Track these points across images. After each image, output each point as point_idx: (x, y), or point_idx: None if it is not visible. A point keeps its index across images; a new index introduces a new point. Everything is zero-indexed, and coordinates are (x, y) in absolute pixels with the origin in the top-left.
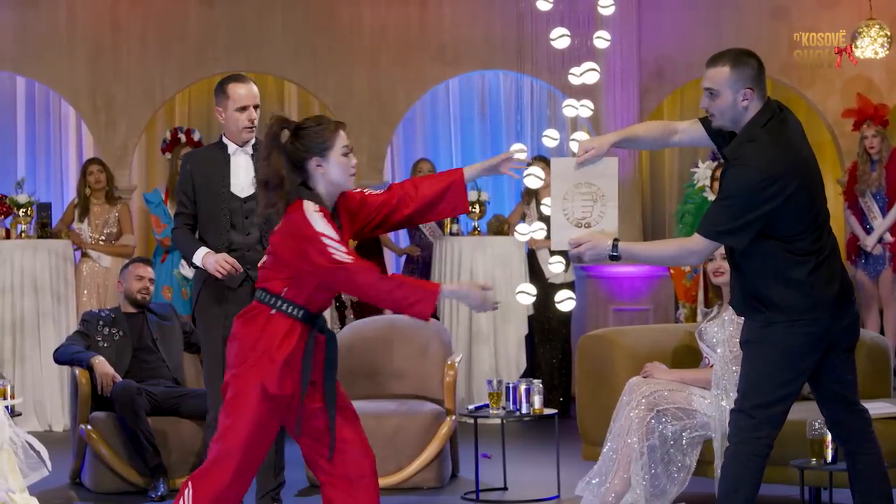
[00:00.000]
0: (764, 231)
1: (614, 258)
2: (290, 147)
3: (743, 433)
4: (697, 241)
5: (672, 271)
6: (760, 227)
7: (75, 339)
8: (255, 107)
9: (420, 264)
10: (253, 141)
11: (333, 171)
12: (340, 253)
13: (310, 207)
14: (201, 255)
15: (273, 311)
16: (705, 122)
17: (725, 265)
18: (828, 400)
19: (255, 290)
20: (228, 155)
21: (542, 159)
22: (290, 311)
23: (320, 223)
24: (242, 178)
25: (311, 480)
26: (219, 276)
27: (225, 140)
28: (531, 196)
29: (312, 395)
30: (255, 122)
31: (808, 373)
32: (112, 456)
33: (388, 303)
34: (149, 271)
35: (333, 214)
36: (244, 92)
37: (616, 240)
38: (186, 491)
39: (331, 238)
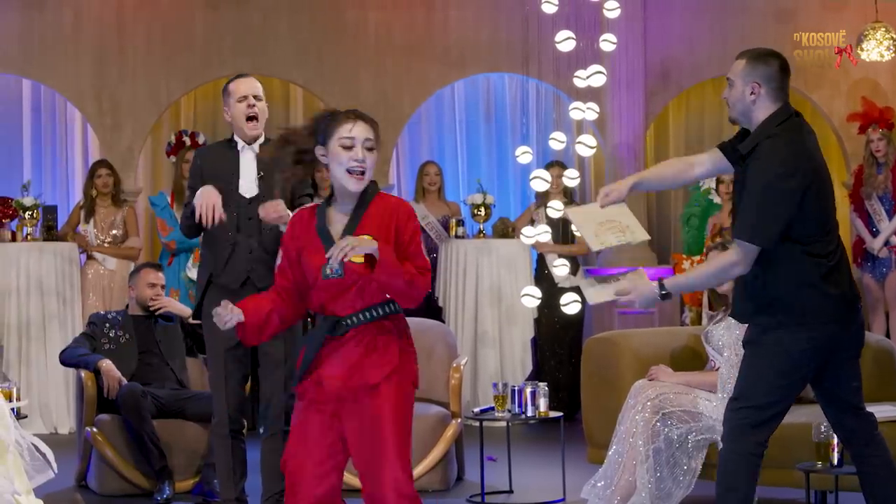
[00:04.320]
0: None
1: (665, 297)
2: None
3: (737, 432)
4: (735, 251)
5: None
6: (788, 220)
7: (81, 342)
8: (256, 97)
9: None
10: (261, 140)
11: (333, 162)
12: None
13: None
14: (199, 192)
15: None
16: (723, 146)
17: None
18: (832, 404)
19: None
20: (238, 152)
21: (558, 164)
22: None
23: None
24: (248, 177)
25: None
26: (202, 219)
27: (235, 138)
28: (545, 199)
29: None
30: (258, 115)
31: (808, 378)
32: (117, 458)
33: None
34: (160, 277)
35: (354, 215)
36: (243, 85)
37: (661, 279)
38: None
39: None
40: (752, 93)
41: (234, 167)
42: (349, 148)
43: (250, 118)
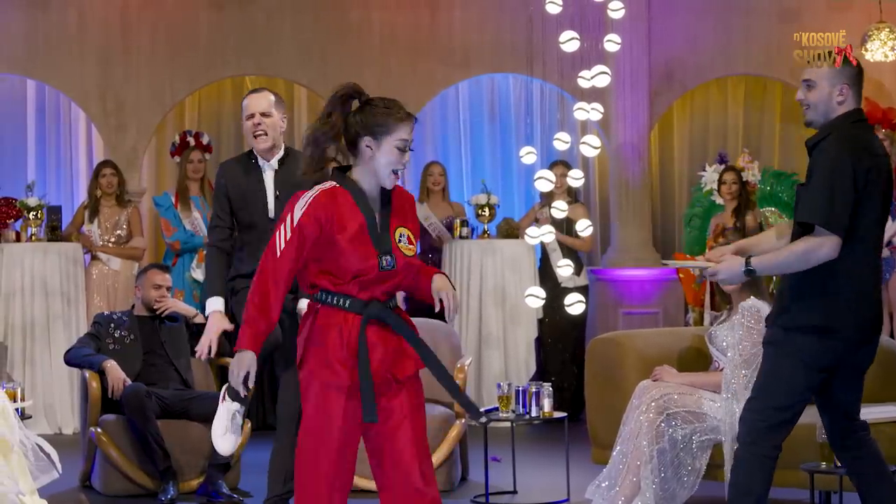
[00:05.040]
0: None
1: (749, 273)
2: (352, 117)
3: (753, 434)
4: (817, 234)
5: (682, 275)
6: (852, 205)
7: (86, 342)
8: (263, 114)
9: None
10: (280, 154)
11: (381, 158)
12: (279, 239)
13: (316, 191)
14: (211, 308)
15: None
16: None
17: None
18: (829, 410)
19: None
20: (261, 171)
21: (561, 163)
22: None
23: (300, 208)
24: (271, 196)
25: None
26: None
27: (255, 153)
28: (550, 199)
29: None
30: (266, 130)
31: (820, 384)
32: (122, 459)
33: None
34: (167, 279)
35: (384, 212)
36: (251, 101)
37: (748, 257)
38: None
39: (287, 224)
40: (840, 94)
41: (261, 188)
42: (403, 150)
43: (257, 135)
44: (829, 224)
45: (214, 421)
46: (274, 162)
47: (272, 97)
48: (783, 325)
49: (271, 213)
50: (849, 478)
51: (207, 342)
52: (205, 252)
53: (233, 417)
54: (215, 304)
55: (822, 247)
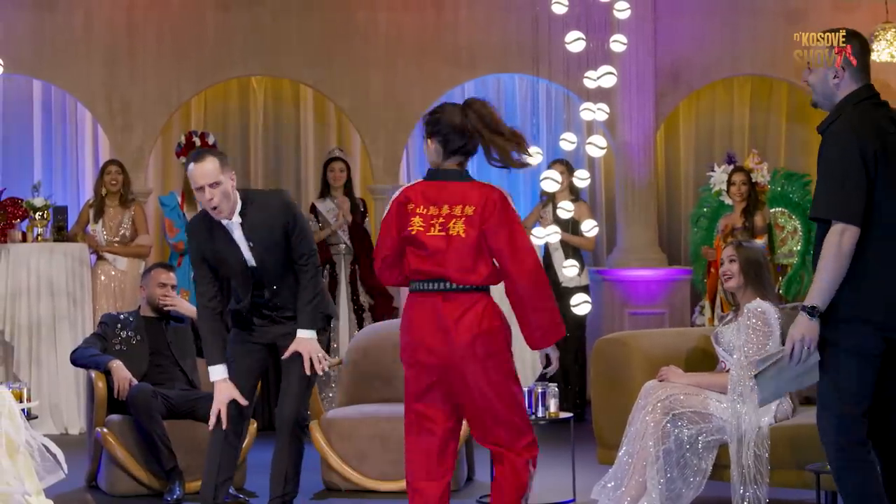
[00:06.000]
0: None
1: (815, 311)
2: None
3: (850, 437)
4: (834, 228)
5: (713, 270)
6: (865, 187)
7: (92, 342)
8: (212, 185)
9: None
10: (239, 207)
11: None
12: None
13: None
14: (215, 377)
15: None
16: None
17: (733, 269)
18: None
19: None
20: (226, 229)
21: (561, 162)
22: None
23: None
24: (245, 248)
25: (326, 484)
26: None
27: None
28: (550, 198)
29: None
30: (218, 205)
31: (878, 369)
32: (128, 459)
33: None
34: (171, 278)
35: None
36: (194, 173)
37: (804, 306)
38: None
39: None
40: (835, 77)
41: (232, 243)
42: None
43: (212, 209)
44: (843, 217)
45: None
46: (236, 217)
47: (216, 161)
48: (826, 321)
49: (250, 263)
50: (880, 471)
51: (217, 412)
52: (196, 314)
53: None
54: (218, 372)
55: (844, 238)
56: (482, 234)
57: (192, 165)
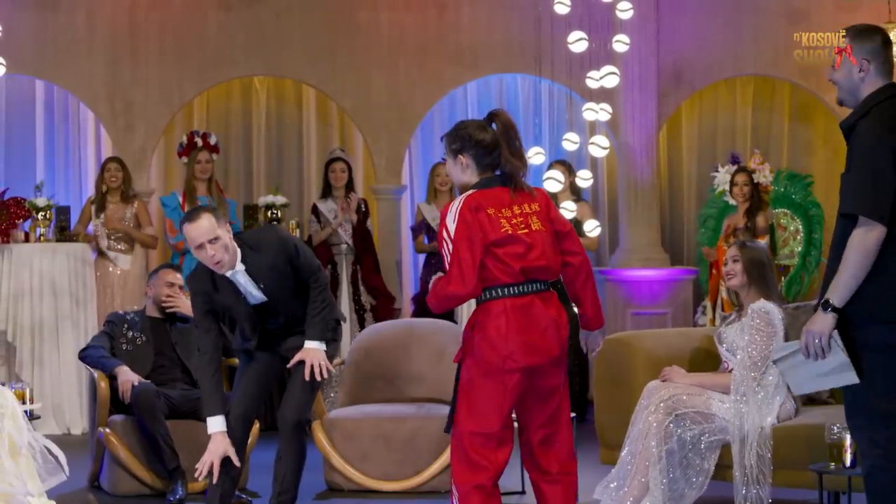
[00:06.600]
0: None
1: (833, 309)
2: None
3: (884, 432)
4: (861, 224)
5: (714, 271)
6: (894, 190)
7: (102, 341)
8: (211, 241)
9: (439, 263)
10: (239, 255)
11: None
12: None
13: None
14: (212, 430)
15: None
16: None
17: (736, 269)
18: None
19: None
20: (227, 279)
21: (561, 163)
22: None
23: None
24: (251, 292)
25: (329, 484)
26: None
27: None
28: (554, 198)
29: None
30: (221, 260)
31: None
32: (130, 459)
33: None
34: (178, 278)
35: None
36: (190, 233)
37: (823, 301)
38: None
39: None
40: (860, 70)
41: (235, 293)
42: None
43: (216, 263)
44: (871, 213)
45: None
46: (238, 265)
47: (210, 218)
48: (852, 321)
49: (259, 300)
50: None
51: (209, 463)
52: (195, 361)
53: None
54: (216, 424)
55: (871, 235)
56: (551, 224)
57: (187, 226)
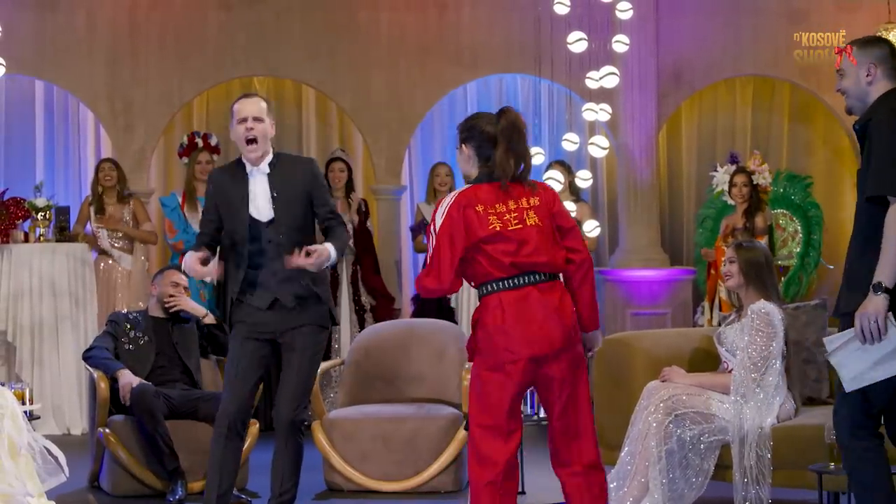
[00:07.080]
0: None
1: (885, 290)
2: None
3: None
4: (893, 206)
5: (713, 271)
6: None
7: (106, 341)
8: (256, 118)
9: None
10: (270, 158)
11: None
12: None
13: None
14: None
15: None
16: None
17: (733, 269)
18: None
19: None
20: (247, 175)
21: (560, 163)
22: None
23: None
24: (261, 201)
25: (328, 484)
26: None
27: (243, 160)
28: None
29: None
30: (257, 137)
31: None
32: (130, 459)
33: None
34: (183, 279)
35: None
36: (244, 106)
37: (875, 283)
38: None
39: None
40: (868, 75)
41: (244, 191)
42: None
43: (249, 141)
44: (892, 190)
45: None
46: (264, 166)
47: (264, 103)
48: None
49: (256, 215)
50: None
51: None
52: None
53: None
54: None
55: None
56: (552, 219)
57: (242, 100)
